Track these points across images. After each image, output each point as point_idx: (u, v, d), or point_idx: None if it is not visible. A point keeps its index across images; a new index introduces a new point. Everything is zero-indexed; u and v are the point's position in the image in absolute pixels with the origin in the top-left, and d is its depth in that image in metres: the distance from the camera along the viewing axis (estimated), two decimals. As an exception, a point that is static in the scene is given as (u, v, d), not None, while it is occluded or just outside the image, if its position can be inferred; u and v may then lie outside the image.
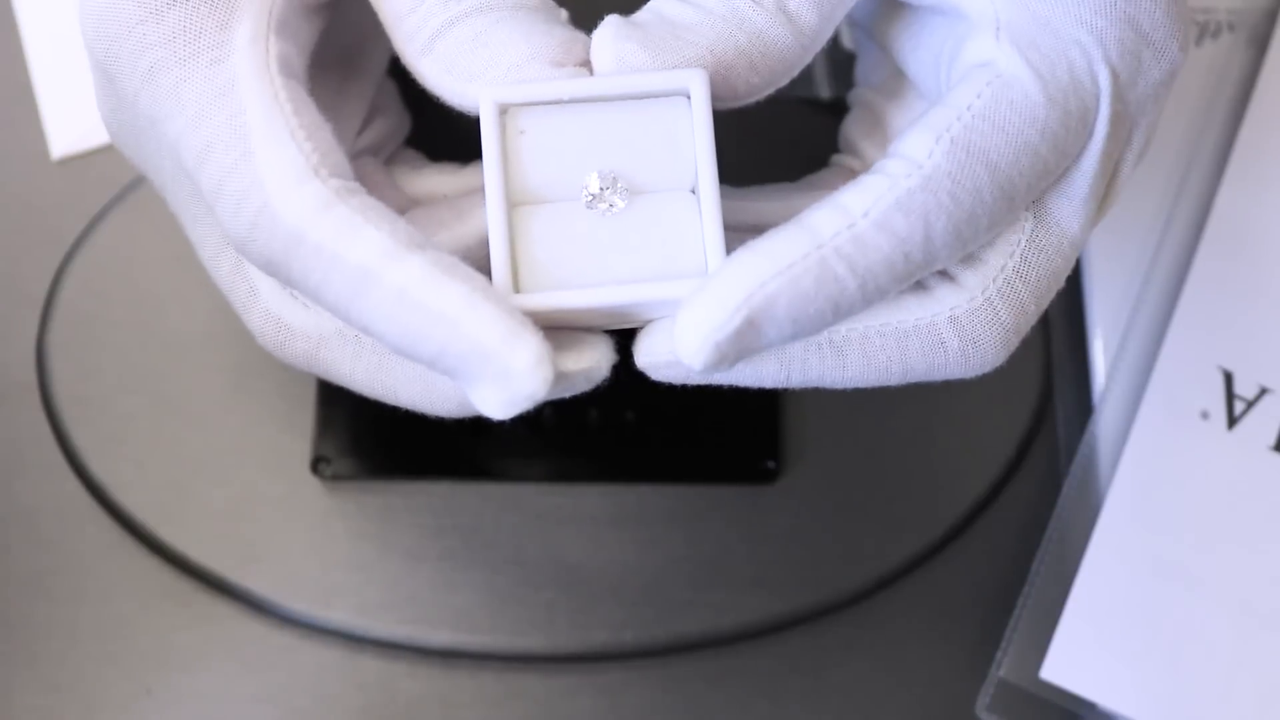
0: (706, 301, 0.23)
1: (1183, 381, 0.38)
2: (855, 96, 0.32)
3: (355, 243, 0.23)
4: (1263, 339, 0.38)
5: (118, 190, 0.40)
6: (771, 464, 0.38)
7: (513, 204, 0.25)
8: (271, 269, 0.25)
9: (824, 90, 0.40)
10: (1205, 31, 0.41)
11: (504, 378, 0.23)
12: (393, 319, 0.23)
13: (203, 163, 0.25)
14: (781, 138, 0.35)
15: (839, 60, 0.40)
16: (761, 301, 0.23)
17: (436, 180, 0.30)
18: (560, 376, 0.24)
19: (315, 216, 0.24)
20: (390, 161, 0.31)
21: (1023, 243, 0.26)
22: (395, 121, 0.31)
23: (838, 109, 0.33)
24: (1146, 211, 0.40)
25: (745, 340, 0.23)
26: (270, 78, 0.25)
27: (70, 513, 0.38)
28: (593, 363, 0.25)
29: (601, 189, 0.25)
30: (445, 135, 0.29)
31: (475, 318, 0.23)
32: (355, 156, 0.29)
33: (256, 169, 0.24)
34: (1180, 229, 0.39)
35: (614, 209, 0.25)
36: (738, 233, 0.27)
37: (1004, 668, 0.37)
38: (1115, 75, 0.26)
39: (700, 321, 0.23)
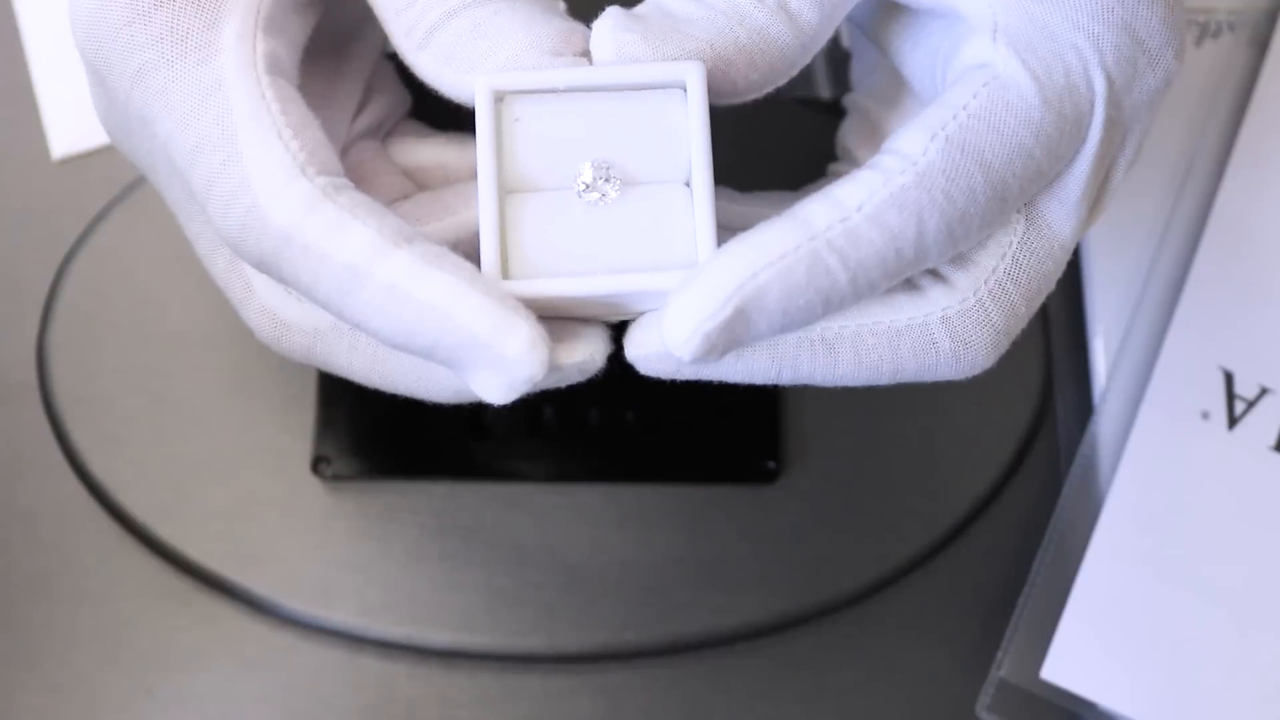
0: (697, 291, 0.23)
1: (1183, 381, 0.38)
2: (851, 102, 0.32)
3: (343, 241, 0.23)
4: (1263, 339, 0.38)
5: (118, 190, 0.40)
6: (771, 464, 0.38)
7: (505, 191, 0.25)
8: (264, 268, 0.25)
9: (824, 90, 0.40)
10: (1205, 31, 0.41)
11: (499, 364, 0.23)
12: (384, 314, 0.23)
13: (192, 163, 0.25)
14: (782, 138, 0.35)
15: (839, 60, 0.40)
16: (752, 292, 0.23)
17: (440, 150, 0.30)
18: (554, 368, 0.24)
19: (302, 216, 0.24)
20: (392, 134, 0.31)
21: (1014, 245, 0.26)
22: (394, 99, 0.31)
23: (838, 110, 0.33)
24: (1146, 211, 0.40)
25: (735, 331, 0.23)
26: (257, 76, 0.25)
27: (70, 513, 0.38)
28: (587, 355, 0.25)
29: (595, 179, 0.25)
30: (446, 112, 0.29)
31: (465, 307, 0.23)
32: (353, 140, 0.29)
33: (244, 169, 0.24)
34: (1180, 229, 0.39)
35: (606, 199, 0.25)
36: (733, 235, 0.27)
37: (1004, 668, 0.37)
38: (1111, 81, 0.26)
39: (691, 311, 0.23)
